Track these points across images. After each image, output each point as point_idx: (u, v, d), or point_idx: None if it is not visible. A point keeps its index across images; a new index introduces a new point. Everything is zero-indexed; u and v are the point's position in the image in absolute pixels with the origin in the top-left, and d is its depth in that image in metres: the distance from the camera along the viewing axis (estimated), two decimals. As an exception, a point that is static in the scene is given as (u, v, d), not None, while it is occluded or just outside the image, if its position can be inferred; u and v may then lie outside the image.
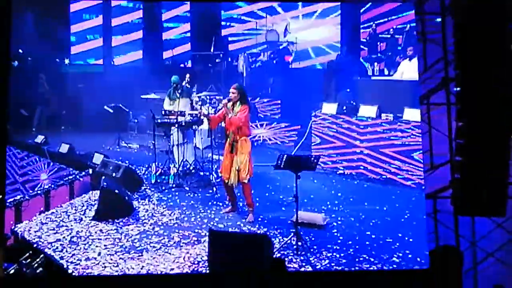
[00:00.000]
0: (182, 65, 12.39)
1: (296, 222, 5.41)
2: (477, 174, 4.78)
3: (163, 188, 7.37)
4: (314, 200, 6.83)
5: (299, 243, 5.32)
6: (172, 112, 7.57)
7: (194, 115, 7.62)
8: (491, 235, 5.27)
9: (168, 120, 7.61)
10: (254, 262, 4.54)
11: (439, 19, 5.41)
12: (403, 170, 7.42)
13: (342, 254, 5.34)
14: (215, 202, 6.86)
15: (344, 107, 8.24)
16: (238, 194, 6.47)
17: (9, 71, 5.30)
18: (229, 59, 11.80)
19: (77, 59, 12.14)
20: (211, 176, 7.55)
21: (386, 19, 11.23)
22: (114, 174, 7.14)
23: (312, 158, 5.36)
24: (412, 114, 7.39)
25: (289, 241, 5.45)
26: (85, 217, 6.38)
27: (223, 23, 12.58)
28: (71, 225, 6.13)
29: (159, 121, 7.79)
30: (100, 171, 7.41)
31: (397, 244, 5.56)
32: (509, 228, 5.17)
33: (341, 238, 5.72)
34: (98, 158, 8.27)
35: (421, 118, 5.47)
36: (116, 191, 6.41)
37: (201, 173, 7.78)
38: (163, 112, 7.72)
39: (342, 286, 4.57)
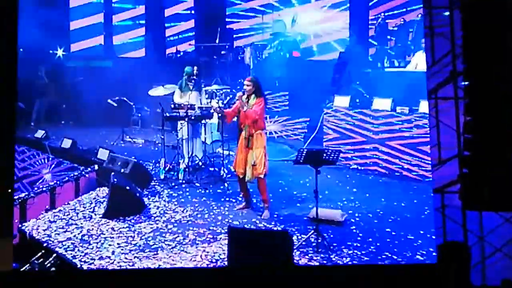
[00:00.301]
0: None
1: (316, 219, 5.41)
2: (485, 169, 4.87)
3: (173, 184, 7.37)
4: (329, 196, 6.83)
5: (319, 240, 5.32)
6: (182, 105, 7.54)
7: (204, 108, 7.60)
8: (499, 229, 5.32)
9: (178, 114, 7.58)
10: (275, 259, 4.54)
11: (447, 13, 5.46)
12: (419, 165, 7.42)
13: (363, 252, 5.35)
14: (227, 198, 6.86)
15: (358, 100, 8.24)
16: (251, 190, 6.48)
17: (16, 66, 5.30)
18: (235, 51, 11.80)
19: (78, 53, 12.14)
20: (221, 171, 7.55)
21: (395, 12, 11.20)
22: (122, 170, 7.13)
23: (333, 152, 5.34)
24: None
25: (308, 238, 5.46)
26: (95, 214, 6.37)
27: (228, 19, 12.56)
28: (81, 223, 6.12)
29: (167, 114, 7.77)
30: (108, 167, 7.40)
31: (420, 241, 5.58)
32: (517, 222, 5.21)
33: (360, 235, 5.73)
34: (103, 154, 8.25)
35: (429, 112, 5.56)
36: (127, 187, 6.41)
37: (211, 169, 7.78)
38: (172, 106, 7.69)
39: (349, 280, 4.59)
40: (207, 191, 7.16)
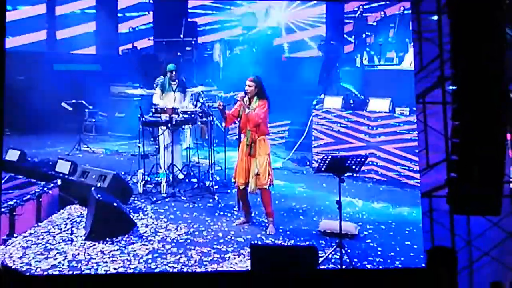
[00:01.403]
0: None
1: (340, 233, 5.58)
2: (473, 173, 5.29)
3: (154, 198, 7.30)
4: (331, 207, 7.03)
5: (343, 256, 5.49)
6: (166, 109, 7.49)
7: (190, 112, 7.58)
8: (486, 234, 5.87)
9: (161, 119, 7.51)
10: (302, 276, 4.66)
11: (435, 17, 5.97)
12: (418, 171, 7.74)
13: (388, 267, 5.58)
14: (221, 213, 6.90)
15: (351, 101, 8.53)
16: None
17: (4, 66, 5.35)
18: (202, 47, 11.81)
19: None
20: (209, 182, 7.57)
21: (375, 4, 11.62)
22: (99, 184, 6.97)
23: (359, 158, 5.54)
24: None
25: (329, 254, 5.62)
26: (76, 237, 6.20)
27: (192, 10, 12.55)
28: (62, 248, 5.94)
29: (144, 119, 7.67)
30: (79, 181, 7.22)
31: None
32: (505, 226, 5.74)
33: (379, 249, 5.95)
34: (63, 166, 8.04)
35: (417, 117, 6.07)
36: (114, 203, 6.29)
37: (193, 180, 7.77)
38: (153, 109, 7.60)
39: (339, 285, 4.83)
40: (196, 205, 7.16)
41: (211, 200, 7.31)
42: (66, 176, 7.66)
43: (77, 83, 10.87)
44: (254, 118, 6.15)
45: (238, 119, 6.37)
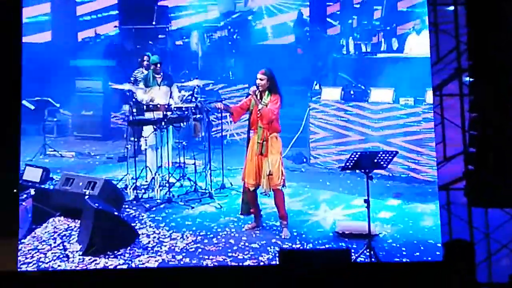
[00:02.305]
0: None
1: (369, 234, 5.86)
2: (491, 166, 5.84)
3: (148, 205, 7.39)
4: (338, 205, 7.36)
5: (372, 258, 5.79)
6: (159, 105, 7.57)
7: (185, 108, 7.68)
8: (504, 226, 6.28)
9: (153, 117, 7.58)
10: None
11: (451, 7, 6.42)
12: (428, 164, 8.15)
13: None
14: (226, 218, 7.08)
15: (352, 92, 8.84)
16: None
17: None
18: (176, 35, 11.83)
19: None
20: (204, 184, 7.72)
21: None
22: (87, 192, 7.00)
23: (388, 154, 5.84)
24: (437, 97, 8.19)
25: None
26: (70, 252, 6.23)
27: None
28: (58, 265, 5.97)
29: (133, 118, 7.73)
30: (63, 189, 7.22)
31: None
32: (522, 219, 6.25)
33: (403, 249, 6.28)
34: (33, 173, 8.03)
35: (434, 109, 6.53)
36: (115, 212, 6.36)
37: (185, 183, 7.89)
38: (145, 106, 7.67)
39: (351, 279, 5.09)
40: (196, 211, 7.30)
41: (211, 204, 7.47)
42: (39, 185, 7.67)
43: (31, 77, 10.71)
44: (267, 114, 6.33)
45: (248, 114, 6.52)
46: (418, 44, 9.12)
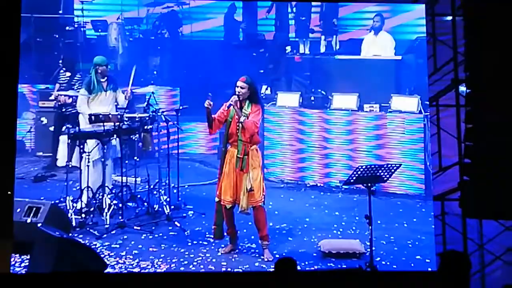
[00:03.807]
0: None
1: (370, 253, 6.66)
2: (486, 177, 6.85)
3: (96, 232, 7.70)
4: (315, 225, 8.13)
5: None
6: (111, 116, 7.87)
7: (139, 118, 8.06)
8: (499, 237, 7.45)
9: (103, 129, 7.87)
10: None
11: (449, 17, 7.55)
12: (403, 174, 9.06)
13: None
14: (194, 242, 7.59)
15: (312, 98, 9.66)
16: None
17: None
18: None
19: None
20: (157, 206, 8.17)
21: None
22: (29, 220, 7.18)
23: (392, 167, 6.68)
24: (404, 103, 9.23)
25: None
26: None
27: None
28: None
29: (78, 130, 7.95)
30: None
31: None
32: (517, 230, 7.43)
33: (394, 267, 7.16)
34: None
35: (430, 120, 7.59)
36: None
37: (130, 204, 8.27)
38: (93, 117, 7.90)
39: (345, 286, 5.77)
40: (157, 235, 7.74)
41: (170, 228, 7.93)
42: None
43: None
44: (251, 127, 6.95)
45: (225, 125, 7.10)
46: (376, 45, 10.10)
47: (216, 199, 7.22)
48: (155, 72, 11.76)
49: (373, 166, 6.78)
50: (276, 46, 10.80)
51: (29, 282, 5.56)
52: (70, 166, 8.21)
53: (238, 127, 7.01)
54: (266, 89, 10.22)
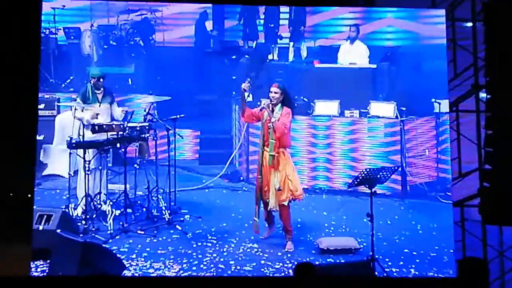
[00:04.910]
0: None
1: (372, 253, 7.67)
2: (506, 183, 7.38)
3: (98, 237, 8.50)
4: (307, 225, 9.16)
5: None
6: (114, 126, 8.68)
7: (140, 127, 8.90)
8: None
9: (107, 138, 8.69)
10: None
11: (469, 24, 8.21)
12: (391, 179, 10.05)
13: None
14: (199, 244, 8.52)
15: (296, 104, 10.65)
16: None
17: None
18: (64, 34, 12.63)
19: None
20: (163, 212, 9.02)
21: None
22: (41, 228, 7.95)
23: (391, 170, 7.75)
24: (381, 109, 10.39)
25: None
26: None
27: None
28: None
29: (80, 139, 8.71)
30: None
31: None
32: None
33: (387, 259, 8.23)
34: None
35: (450, 125, 8.31)
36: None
37: (128, 210, 9.08)
38: (97, 127, 8.68)
39: None
40: (160, 239, 8.61)
41: (172, 231, 8.82)
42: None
43: None
44: (280, 127, 8.06)
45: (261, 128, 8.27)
46: (351, 54, 11.23)
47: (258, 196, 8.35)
48: (129, 80, 12.49)
49: (374, 169, 7.86)
50: (258, 54, 11.75)
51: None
52: (72, 175, 8.95)
53: (269, 128, 8.15)
54: (248, 96, 11.14)
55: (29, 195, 7.99)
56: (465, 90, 8.44)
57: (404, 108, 10.37)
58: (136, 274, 7.71)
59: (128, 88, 12.18)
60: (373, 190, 7.64)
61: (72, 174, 9.01)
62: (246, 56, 12.09)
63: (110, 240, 8.49)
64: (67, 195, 9.23)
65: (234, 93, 11.75)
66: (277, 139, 8.14)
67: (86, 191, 8.88)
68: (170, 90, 11.85)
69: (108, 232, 8.63)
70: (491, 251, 8.04)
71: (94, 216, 8.84)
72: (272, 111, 8.19)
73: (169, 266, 7.92)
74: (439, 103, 10.47)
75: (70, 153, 8.89)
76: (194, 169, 11.20)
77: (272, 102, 8.20)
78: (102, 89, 9.22)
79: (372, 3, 9.14)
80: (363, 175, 7.62)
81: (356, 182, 7.70)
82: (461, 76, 8.45)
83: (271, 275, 7.73)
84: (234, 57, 12.72)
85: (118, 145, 8.76)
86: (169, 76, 12.32)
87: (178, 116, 9.36)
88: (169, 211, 9.09)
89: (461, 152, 8.31)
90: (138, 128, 8.95)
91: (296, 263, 7.63)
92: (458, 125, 8.38)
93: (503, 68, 7.44)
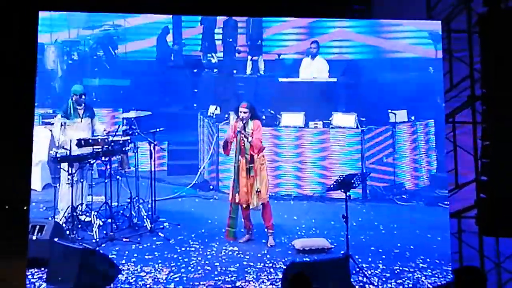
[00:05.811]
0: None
1: (347, 250, 8.75)
2: (503, 194, 7.72)
3: (84, 245, 9.33)
4: (280, 228, 10.25)
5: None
6: (99, 140, 9.60)
7: (123, 141, 9.84)
8: None
9: (92, 152, 9.60)
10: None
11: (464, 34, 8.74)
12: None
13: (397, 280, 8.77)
14: (183, 249, 9.49)
15: (264, 117, 11.78)
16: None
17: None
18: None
19: None
20: (145, 221, 9.99)
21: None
22: (34, 238, 8.78)
23: (362, 175, 8.92)
24: (343, 119, 11.62)
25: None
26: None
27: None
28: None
29: (67, 154, 9.56)
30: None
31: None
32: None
33: (360, 260, 9.40)
34: None
35: (446, 136, 8.88)
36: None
37: (109, 220, 9.95)
38: (83, 142, 9.57)
39: None
40: (145, 245, 9.56)
41: (155, 239, 9.80)
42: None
43: None
44: (258, 144, 9.50)
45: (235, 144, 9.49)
46: (312, 69, 12.42)
47: (232, 202, 9.57)
48: (93, 94, 13.32)
49: (349, 175, 9.04)
50: (224, 68, 12.86)
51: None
52: (58, 186, 9.82)
53: (244, 144, 9.43)
54: (216, 109, 12.22)
55: (25, 207, 8.57)
56: (461, 101, 8.89)
57: (364, 119, 11.63)
58: (130, 278, 8.62)
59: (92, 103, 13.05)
60: (347, 194, 8.76)
61: (56, 185, 9.84)
62: (215, 70, 13.13)
63: (97, 248, 9.32)
64: (44, 208, 10.19)
65: (195, 105, 12.88)
66: (257, 153, 9.48)
67: (72, 203, 9.72)
68: (135, 103, 12.75)
69: (94, 240, 9.51)
70: (488, 262, 8.43)
71: (80, 226, 9.70)
72: (244, 128, 9.48)
73: (159, 270, 8.85)
74: (395, 114, 11.87)
75: (58, 168, 9.75)
76: (164, 180, 12.17)
77: (243, 121, 9.49)
78: (83, 105, 10.13)
79: (369, 15, 9.71)
80: (339, 180, 8.79)
81: (333, 186, 8.85)
82: (457, 87, 8.90)
83: (254, 275, 8.75)
84: (195, 70, 13.83)
85: (103, 158, 9.64)
86: (132, 90, 13.29)
87: (157, 130, 10.30)
88: (149, 220, 10.04)
89: (457, 163, 8.77)
90: (120, 142, 9.89)
91: (279, 265, 8.91)
92: (454, 136, 8.75)
93: (499, 79, 7.93)
